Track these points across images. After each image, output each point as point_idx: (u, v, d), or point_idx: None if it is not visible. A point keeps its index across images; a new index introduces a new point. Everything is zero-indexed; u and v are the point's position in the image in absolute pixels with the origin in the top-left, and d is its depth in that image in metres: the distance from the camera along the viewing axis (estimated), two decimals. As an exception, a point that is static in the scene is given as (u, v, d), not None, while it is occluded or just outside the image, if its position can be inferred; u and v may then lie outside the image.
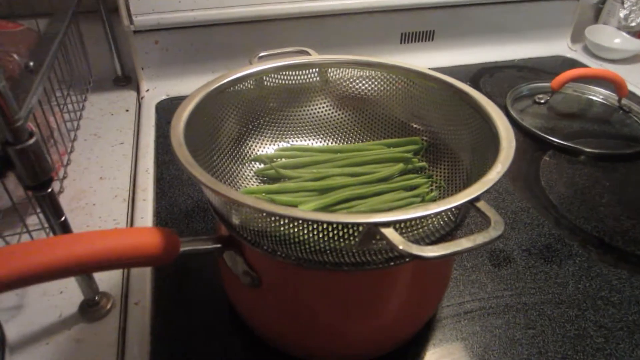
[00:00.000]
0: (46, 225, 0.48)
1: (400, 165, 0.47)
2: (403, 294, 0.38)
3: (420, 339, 0.46)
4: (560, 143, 0.75)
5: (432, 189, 0.47)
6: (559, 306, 0.50)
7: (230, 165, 0.48)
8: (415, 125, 0.50)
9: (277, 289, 0.37)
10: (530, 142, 0.77)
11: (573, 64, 1.04)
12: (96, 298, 0.48)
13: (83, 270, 0.28)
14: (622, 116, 0.85)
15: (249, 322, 0.44)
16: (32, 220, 0.55)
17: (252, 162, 0.51)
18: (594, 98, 0.89)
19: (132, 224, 0.59)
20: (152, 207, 0.61)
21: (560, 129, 0.81)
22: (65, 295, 0.50)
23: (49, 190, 0.38)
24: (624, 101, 0.85)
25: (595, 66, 1.03)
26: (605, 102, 0.88)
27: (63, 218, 0.41)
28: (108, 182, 0.66)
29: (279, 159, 0.50)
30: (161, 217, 0.60)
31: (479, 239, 0.27)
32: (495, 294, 0.51)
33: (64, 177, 0.65)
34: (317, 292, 0.36)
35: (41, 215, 0.48)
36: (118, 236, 0.30)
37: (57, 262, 0.27)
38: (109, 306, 0.48)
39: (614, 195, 0.67)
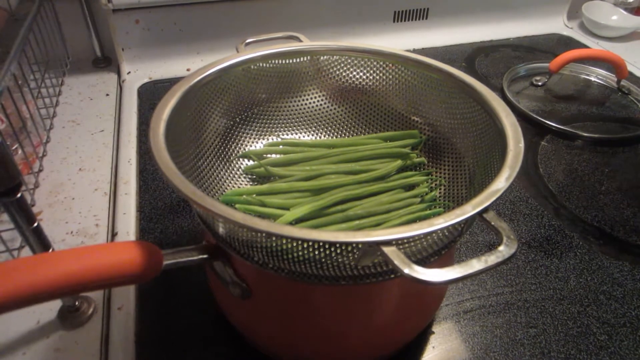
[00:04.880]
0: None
1: (399, 162, 0.44)
2: (403, 304, 0.36)
3: (420, 342, 0.45)
4: (558, 127, 0.73)
5: (431, 188, 0.44)
6: (561, 302, 0.49)
7: (217, 164, 0.44)
8: (414, 118, 0.47)
9: (270, 301, 0.35)
10: (528, 127, 0.75)
11: (569, 42, 1.01)
12: (76, 303, 0.45)
13: (45, 298, 0.25)
14: (621, 98, 0.82)
15: (239, 329, 0.41)
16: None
17: (240, 159, 0.47)
18: (592, 79, 0.87)
19: (113, 220, 0.56)
20: (135, 201, 0.58)
21: (558, 112, 0.78)
22: (44, 300, 0.47)
23: (18, 196, 0.35)
24: (623, 82, 0.83)
25: (592, 44, 1.00)
26: (603, 83, 0.86)
27: (35, 224, 0.38)
28: (88, 174, 0.62)
29: (269, 155, 0.47)
30: (145, 213, 0.57)
31: (491, 259, 0.24)
32: (496, 291, 0.50)
33: (40, 170, 0.61)
34: (313, 306, 0.34)
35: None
36: (89, 255, 0.27)
37: (9, 293, 0.24)
38: (90, 312, 0.46)
39: (614, 182, 0.65)
